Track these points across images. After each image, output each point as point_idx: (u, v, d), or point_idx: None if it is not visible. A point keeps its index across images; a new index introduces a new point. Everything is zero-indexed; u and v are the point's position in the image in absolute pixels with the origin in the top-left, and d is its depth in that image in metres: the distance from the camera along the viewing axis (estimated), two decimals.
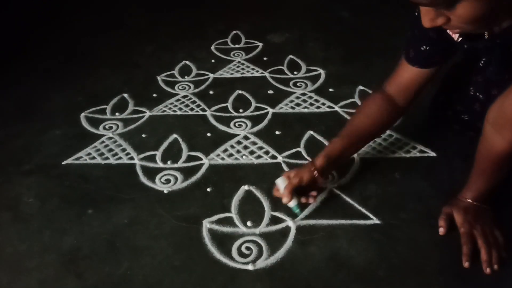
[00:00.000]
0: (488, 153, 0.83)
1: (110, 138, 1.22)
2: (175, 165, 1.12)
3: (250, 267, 0.85)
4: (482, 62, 0.90)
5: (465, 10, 0.60)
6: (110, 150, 1.18)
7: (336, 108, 1.30)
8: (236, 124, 1.26)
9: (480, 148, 0.85)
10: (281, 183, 0.93)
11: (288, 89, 1.41)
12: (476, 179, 0.88)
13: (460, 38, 0.84)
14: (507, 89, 0.75)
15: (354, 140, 0.98)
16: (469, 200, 0.89)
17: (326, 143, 1.16)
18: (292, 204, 0.92)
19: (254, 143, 1.18)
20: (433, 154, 1.10)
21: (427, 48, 0.91)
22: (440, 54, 0.92)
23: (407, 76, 0.97)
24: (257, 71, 1.52)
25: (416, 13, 0.66)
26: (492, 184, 0.87)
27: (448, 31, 0.83)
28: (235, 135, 1.21)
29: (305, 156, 1.12)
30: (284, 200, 0.91)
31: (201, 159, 1.13)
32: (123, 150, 1.18)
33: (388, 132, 1.17)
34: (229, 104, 1.34)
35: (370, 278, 0.82)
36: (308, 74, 1.48)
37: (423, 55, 0.92)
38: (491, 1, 0.60)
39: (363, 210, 0.96)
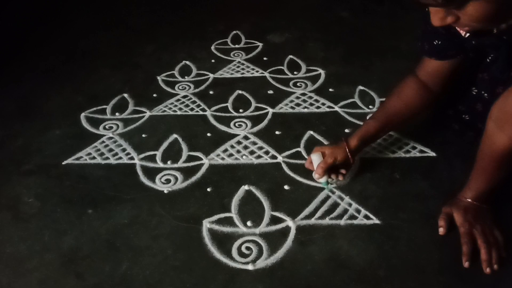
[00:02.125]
0: (490, 150, 0.83)
1: (110, 138, 1.22)
2: (175, 165, 1.12)
3: (250, 267, 0.85)
4: (489, 58, 0.91)
5: (475, 10, 0.60)
6: (110, 150, 1.18)
7: (336, 108, 1.30)
8: (236, 124, 1.26)
9: (482, 146, 0.85)
10: (316, 159, 0.99)
11: (288, 89, 1.41)
12: (477, 178, 0.88)
13: (468, 34, 0.84)
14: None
15: (388, 123, 1.01)
16: (469, 200, 0.89)
17: (326, 143, 1.16)
18: (323, 180, 0.99)
19: (254, 143, 1.18)
20: (433, 154, 1.10)
21: (440, 42, 0.92)
22: (454, 48, 0.93)
23: (432, 67, 0.99)
24: (257, 71, 1.52)
25: (427, 9, 0.67)
26: (493, 183, 0.87)
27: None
28: (235, 135, 1.21)
29: (305, 156, 1.12)
30: (316, 176, 0.98)
31: (201, 159, 1.13)
32: (123, 150, 1.18)
33: None
34: (229, 104, 1.34)
35: (370, 278, 0.82)
36: (308, 74, 1.48)
37: (437, 49, 0.94)
38: (500, 0, 0.60)
39: (363, 210, 0.96)
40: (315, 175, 0.99)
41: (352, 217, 0.94)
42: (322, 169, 0.97)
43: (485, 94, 0.98)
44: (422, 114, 1.06)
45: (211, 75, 1.51)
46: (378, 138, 1.06)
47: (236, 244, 0.90)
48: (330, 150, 0.98)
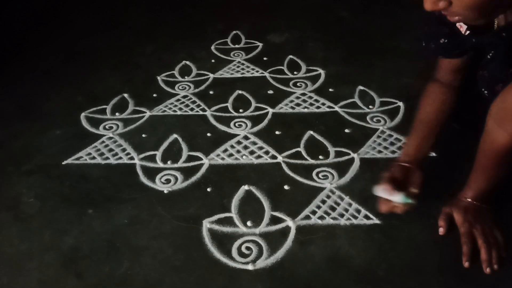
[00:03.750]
0: (489, 148, 0.83)
1: (110, 138, 1.22)
2: (175, 165, 1.12)
3: (250, 267, 0.85)
4: (489, 56, 0.91)
5: None
6: (110, 150, 1.18)
7: (336, 108, 1.30)
8: (236, 124, 1.26)
9: (482, 144, 0.84)
10: (381, 191, 0.87)
11: (288, 89, 1.41)
12: (477, 177, 0.88)
13: (468, 32, 0.84)
14: (511, 83, 0.75)
15: (427, 133, 0.99)
16: (469, 200, 0.89)
17: (326, 143, 1.16)
18: (399, 199, 0.85)
19: (254, 143, 1.18)
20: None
21: (446, 41, 0.92)
22: (459, 47, 0.92)
23: (448, 65, 0.99)
24: (257, 71, 1.52)
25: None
26: (493, 182, 0.87)
27: (456, 25, 0.83)
28: (235, 135, 1.21)
29: (305, 156, 1.12)
30: (395, 198, 0.86)
31: (201, 159, 1.13)
32: (123, 150, 1.18)
33: (387, 132, 1.17)
34: (229, 104, 1.34)
35: (370, 278, 0.82)
36: (308, 74, 1.48)
37: (443, 47, 0.93)
38: None
39: (363, 210, 0.96)
40: (392, 196, 0.86)
41: (352, 217, 0.95)
42: (386, 183, 0.86)
43: (485, 92, 0.98)
44: (453, 112, 1.03)
45: (211, 75, 1.51)
46: (428, 148, 0.98)
47: (236, 244, 0.90)
48: (387, 174, 0.90)
